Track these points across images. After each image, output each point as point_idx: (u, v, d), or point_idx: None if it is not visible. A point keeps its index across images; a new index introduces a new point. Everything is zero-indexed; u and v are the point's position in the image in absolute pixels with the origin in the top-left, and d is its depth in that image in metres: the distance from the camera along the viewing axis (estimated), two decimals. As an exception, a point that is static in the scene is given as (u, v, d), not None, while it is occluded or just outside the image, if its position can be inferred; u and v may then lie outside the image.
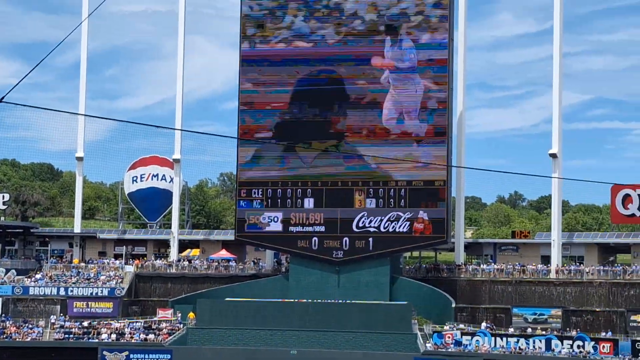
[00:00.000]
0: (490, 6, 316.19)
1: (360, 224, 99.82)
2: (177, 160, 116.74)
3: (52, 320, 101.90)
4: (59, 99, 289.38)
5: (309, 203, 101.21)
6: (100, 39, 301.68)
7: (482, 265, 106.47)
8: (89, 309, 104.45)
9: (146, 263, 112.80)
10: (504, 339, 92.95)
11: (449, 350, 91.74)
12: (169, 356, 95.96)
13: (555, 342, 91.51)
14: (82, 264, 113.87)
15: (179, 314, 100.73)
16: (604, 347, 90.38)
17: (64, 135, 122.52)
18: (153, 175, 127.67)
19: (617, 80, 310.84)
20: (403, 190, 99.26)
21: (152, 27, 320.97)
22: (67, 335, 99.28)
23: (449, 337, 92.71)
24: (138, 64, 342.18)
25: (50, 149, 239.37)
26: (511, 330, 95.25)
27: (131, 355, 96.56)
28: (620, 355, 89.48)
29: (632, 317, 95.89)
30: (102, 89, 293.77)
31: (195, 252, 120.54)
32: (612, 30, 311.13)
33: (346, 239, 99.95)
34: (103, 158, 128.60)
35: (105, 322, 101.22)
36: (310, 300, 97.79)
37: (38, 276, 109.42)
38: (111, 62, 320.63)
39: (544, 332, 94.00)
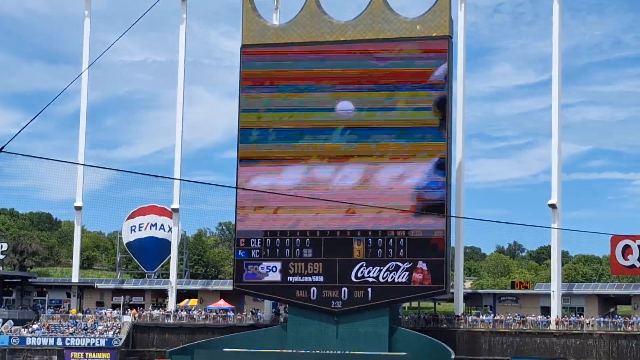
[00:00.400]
0: (490, 57, 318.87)
1: (359, 274, 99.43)
2: (175, 210, 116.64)
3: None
4: (59, 148, 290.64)
5: (307, 253, 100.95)
6: (100, 89, 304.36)
7: (481, 316, 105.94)
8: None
9: (144, 313, 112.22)
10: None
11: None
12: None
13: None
14: (80, 314, 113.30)
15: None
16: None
17: (63, 185, 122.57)
18: (151, 224, 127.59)
19: (615, 132, 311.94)
20: (402, 240, 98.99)
21: (151, 77, 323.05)
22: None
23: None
24: (137, 113, 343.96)
25: (49, 198, 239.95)
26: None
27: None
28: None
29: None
30: (102, 139, 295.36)
31: (193, 302, 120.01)
32: (610, 81, 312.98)
33: (345, 289, 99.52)
34: (102, 207, 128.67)
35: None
36: (308, 351, 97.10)
37: (35, 326, 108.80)
38: (110, 112, 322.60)
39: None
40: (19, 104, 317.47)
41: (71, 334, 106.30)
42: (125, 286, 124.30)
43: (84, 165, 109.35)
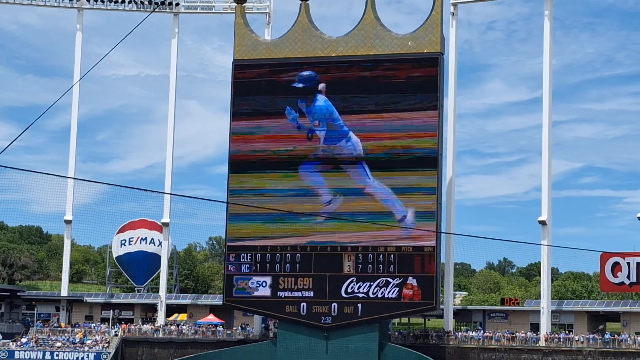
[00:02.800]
0: (483, 74, 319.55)
1: (349, 290, 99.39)
2: (166, 224, 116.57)
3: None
4: (50, 161, 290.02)
5: (297, 268, 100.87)
6: (93, 103, 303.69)
7: (471, 332, 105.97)
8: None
9: (133, 327, 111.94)
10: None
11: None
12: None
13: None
14: (69, 328, 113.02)
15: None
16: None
17: (53, 198, 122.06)
18: (142, 238, 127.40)
19: (607, 149, 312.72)
20: (392, 256, 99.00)
21: (145, 92, 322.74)
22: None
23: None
24: (130, 127, 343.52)
25: (39, 211, 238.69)
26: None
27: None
28: None
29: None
30: (94, 152, 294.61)
31: (183, 316, 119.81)
32: (602, 99, 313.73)
33: (335, 304, 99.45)
34: (92, 221, 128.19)
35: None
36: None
37: (24, 340, 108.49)
38: (103, 126, 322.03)
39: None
40: (12, 117, 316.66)
41: (60, 347, 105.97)
42: (114, 300, 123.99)
43: (74, 178, 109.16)
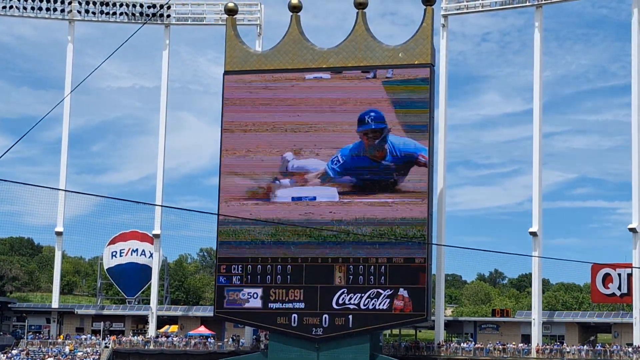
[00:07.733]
0: (477, 85, 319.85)
1: (340, 301, 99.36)
2: (157, 236, 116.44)
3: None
4: (44, 173, 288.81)
5: (288, 279, 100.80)
6: (88, 114, 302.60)
7: (462, 344, 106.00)
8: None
9: (124, 339, 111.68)
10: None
11: None
12: None
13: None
14: (60, 340, 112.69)
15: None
16: None
17: (45, 210, 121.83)
18: (133, 250, 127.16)
19: (601, 160, 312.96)
20: (383, 267, 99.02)
21: (139, 103, 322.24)
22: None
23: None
24: (125, 139, 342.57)
25: (31, 223, 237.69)
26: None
27: None
28: None
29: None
30: (89, 164, 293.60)
31: (174, 328, 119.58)
32: (596, 110, 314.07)
33: (326, 316, 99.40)
34: (83, 233, 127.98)
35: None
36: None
37: (15, 352, 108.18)
38: (98, 137, 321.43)
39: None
40: (7, 129, 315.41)
41: None
42: (105, 312, 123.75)
43: (65, 190, 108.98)
